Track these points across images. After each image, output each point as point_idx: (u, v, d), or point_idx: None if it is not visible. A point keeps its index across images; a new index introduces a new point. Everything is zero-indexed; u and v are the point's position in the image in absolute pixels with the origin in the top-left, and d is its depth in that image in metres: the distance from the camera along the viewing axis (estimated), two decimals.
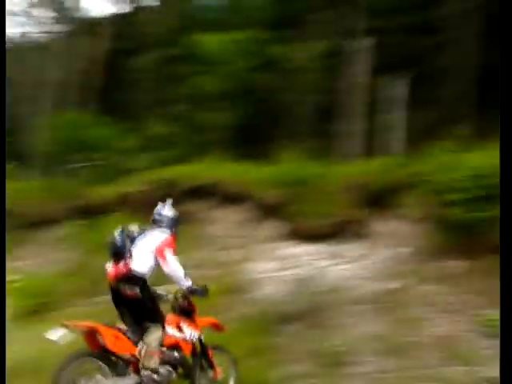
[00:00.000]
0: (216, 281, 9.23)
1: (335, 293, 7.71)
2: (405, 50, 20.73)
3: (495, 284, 7.08)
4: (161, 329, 5.19)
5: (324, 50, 19.48)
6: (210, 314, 8.13)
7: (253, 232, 10.45)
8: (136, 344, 5.07)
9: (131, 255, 5.28)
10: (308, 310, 7.61)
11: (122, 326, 5.21)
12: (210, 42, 18.95)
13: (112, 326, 5.11)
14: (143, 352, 5.01)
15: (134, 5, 24.34)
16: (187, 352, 5.52)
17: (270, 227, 10.38)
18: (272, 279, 9.00)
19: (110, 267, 5.34)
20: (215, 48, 18.99)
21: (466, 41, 18.40)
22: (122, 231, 5.49)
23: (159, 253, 5.34)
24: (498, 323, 6.34)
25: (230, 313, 8.23)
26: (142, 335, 5.11)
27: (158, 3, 24.24)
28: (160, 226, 5.75)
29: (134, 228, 5.60)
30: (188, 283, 5.54)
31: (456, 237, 7.93)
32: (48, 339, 4.81)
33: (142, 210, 11.55)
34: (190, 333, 5.58)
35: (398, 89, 14.59)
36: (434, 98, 19.89)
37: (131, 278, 5.19)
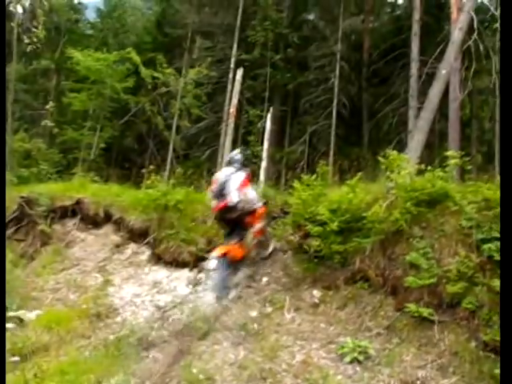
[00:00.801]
0: (76, 305, 8.94)
1: (197, 320, 7.69)
2: (276, 83, 21.57)
3: (349, 313, 7.50)
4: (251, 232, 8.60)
5: (198, 77, 19.72)
6: (71, 338, 7.93)
7: (116, 256, 10.25)
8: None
9: (226, 194, 8.17)
10: (169, 337, 7.55)
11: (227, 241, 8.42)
12: (84, 59, 18.49)
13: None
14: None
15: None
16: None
17: (133, 251, 10.24)
18: (134, 304, 8.85)
19: (214, 203, 8.43)
20: (89, 65, 18.55)
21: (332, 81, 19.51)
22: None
23: (242, 188, 8.31)
24: (350, 350, 6.69)
25: (91, 338, 7.98)
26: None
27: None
28: (234, 166, 8.65)
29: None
30: (260, 203, 8.80)
31: (314, 268, 8.27)
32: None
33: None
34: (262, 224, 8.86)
35: (268, 121, 15.05)
36: (302, 132, 20.84)
37: (230, 208, 8.17)
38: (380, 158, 8.18)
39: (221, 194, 8.26)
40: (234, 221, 8.36)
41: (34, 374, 7.01)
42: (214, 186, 8.45)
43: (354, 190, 8.15)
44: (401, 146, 14.87)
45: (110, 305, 8.88)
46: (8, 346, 7.82)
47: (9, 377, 7.05)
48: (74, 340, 7.93)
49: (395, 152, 8.16)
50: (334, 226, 7.75)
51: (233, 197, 8.10)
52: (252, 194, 8.55)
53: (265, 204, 9.03)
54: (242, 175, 8.46)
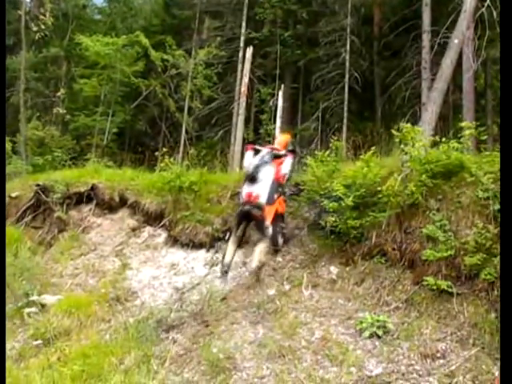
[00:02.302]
0: (95, 289, 9.02)
1: (215, 300, 7.73)
2: (287, 61, 21.41)
3: (367, 288, 7.48)
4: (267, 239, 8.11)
5: (208, 58, 19.62)
6: (91, 322, 8.02)
7: (132, 239, 10.29)
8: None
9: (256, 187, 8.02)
10: (188, 318, 7.60)
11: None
12: (93, 44, 18.43)
13: None
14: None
15: None
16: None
17: (150, 234, 10.28)
18: (152, 287, 8.91)
19: (245, 189, 8.09)
20: (98, 51, 18.50)
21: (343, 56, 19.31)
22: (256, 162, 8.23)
23: (279, 180, 8.38)
24: (369, 325, 6.69)
25: (111, 321, 8.07)
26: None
27: None
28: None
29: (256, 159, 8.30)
30: (291, 189, 9.33)
31: (331, 244, 8.25)
32: None
33: (17, 217, 11.08)
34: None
35: (280, 99, 14.96)
36: (312, 110, 20.71)
37: (258, 205, 7.91)
38: (394, 132, 8.09)
39: (253, 178, 8.11)
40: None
41: (57, 358, 7.14)
42: (248, 164, 8.48)
43: (369, 164, 8.08)
44: (414, 119, 14.72)
45: (128, 288, 8.94)
46: (31, 331, 7.97)
47: (32, 361, 7.18)
48: (94, 324, 8.03)
49: (409, 125, 8.06)
50: (350, 201, 7.71)
51: (262, 197, 7.96)
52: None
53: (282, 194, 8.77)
54: (272, 170, 8.29)
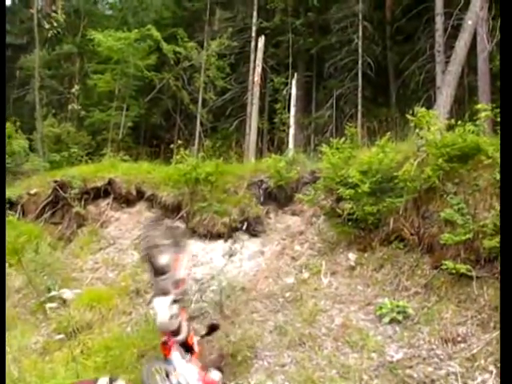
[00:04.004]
0: (115, 283, 9.10)
1: (234, 290, 7.77)
2: (299, 49, 21.33)
3: (385, 274, 7.47)
4: None
5: (220, 49, 19.60)
6: (112, 315, 8.12)
7: None
8: None
9: None
10: (208, 308, 7.64)
11: None
12: (106, 39, 18.48)
13: None
14: None
15: None
16: None
17: None
18: None
19: None
20: (111, 46, 18.54)
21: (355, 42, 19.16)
22: None
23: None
24: (389, 310, 6.70)
25: (132, 314, 8.15)
26: None
27: None
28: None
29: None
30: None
31: (350, 230, 8.24)
32: None
33: (36, 213, 11.20)
34: None
35: (293, 87, 14.93)
36: (326, 97, 20.61)
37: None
38: (409, 116, 8.04)
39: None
40: None
41: (80, 351, 7.24)
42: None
43: (384, 150, 8.04)
44: (429, 104, 14.57)
45: (147, 281, 8.99)
46: (53, 325, 8.09)
47: (57, 354, 7.29)
48: (115, 317, 8.12)
49: (424, 109, 8.00)
50: (366, 187, 7.69)
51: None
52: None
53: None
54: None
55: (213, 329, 5.94)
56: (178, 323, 5.17)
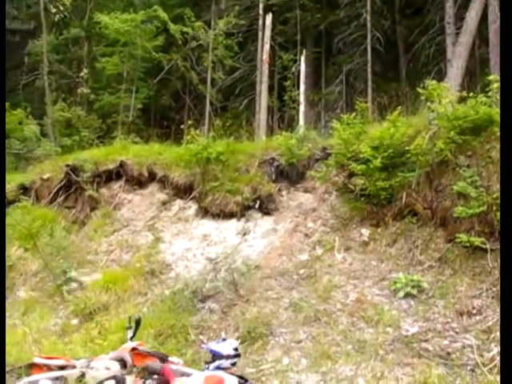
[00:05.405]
0: (130, 264, 9.17)
1: (249, 268, 7.80)
2: (307, 25, 21.11)
3: (399, 249, 7.47)
4: None
5: (227, 28, 19.45)
6: (128, 296, 8.21)
7: (163, 213, 10.37)
8: None
9: None
10: (223, 287, 7.68)
11: None
12: (112, 22, 18.37)
13: None
14: None
15: None
16: None
17: (180, 207, 10.34)
18: (186, 259, 9.02)
19: None
20: (118, 28, 18.45)
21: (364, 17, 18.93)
22: None
23: None
24: (403, 285, 6.70)
25: (147, 295, 8.22)
26: None
27: None
28: None
29: None
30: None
31: (362, 206, 8.22)
32: None
33: (50, 198, 11.26)
34: None
35: (302, 64, 14.81)
36: (335, 73, 20.43)
37: None
38: (419, 90, 7.96)
39: None
40: None
41: (97, 332, 7.34)
42: None
43: (395, 124, 7.98)
44: (440, 77, 14.39)
45: (162, 261, 9.07)
46: (71, 307, 8.19)
47: (75, 336, 7.40)
48: (131, 298, 8.21)
49: (435, 82, 7.92)
50: (378, 162, 7.65)
51: None
52: None
53: None
54: None
55: (138, 323, 5.90)
56: None
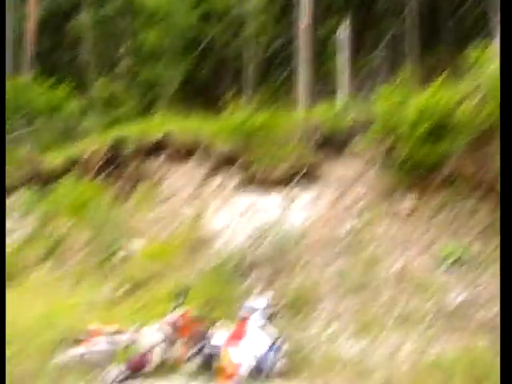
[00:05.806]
0: (175, 236, 9.28)
1: (294, 238, 7.80)
2: None
3: (446, 217, 7.33)
4: None
5: None
6: (175, 267, 8.33)
7: (207, 185, 10.41)
8: None
9: None
10: (269, 257, 7.71)
11: None
12: None
13: None
14: None
15: None
16: None
17: (224, 179, 10.35)
18: (231, 230, 9.05)
19: None
20: (155, 1, 18.43)
21: None
22: None
23: None
24: (452, 253, 6.59)
25: (194, 266, 8.32)
26: None
27: None
28: None
29: None
30: None
31: (406, 175, 8.06)
32: None
33: (93, 173, 11.45)
34: None
35: (343, 31, 14.53)
36: (378, 39, 20.00)
37: None
38: (466, 54, 7.71)
39: None
40: None
41: (147, 301, 7.52)
42: None
43: (440, 90, 7.74)
44: (487, 41, 13.97)
45: (207, 232, 9.13)
46: (119, 277, 8.38)
47: (124, 305, 7.58)
48: (177, 268, 8.32)
49: (482, 45, 7.66)
50: (422, 129, 7.44)
51: None
52: None
53: None
54: None
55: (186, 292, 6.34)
56: None
